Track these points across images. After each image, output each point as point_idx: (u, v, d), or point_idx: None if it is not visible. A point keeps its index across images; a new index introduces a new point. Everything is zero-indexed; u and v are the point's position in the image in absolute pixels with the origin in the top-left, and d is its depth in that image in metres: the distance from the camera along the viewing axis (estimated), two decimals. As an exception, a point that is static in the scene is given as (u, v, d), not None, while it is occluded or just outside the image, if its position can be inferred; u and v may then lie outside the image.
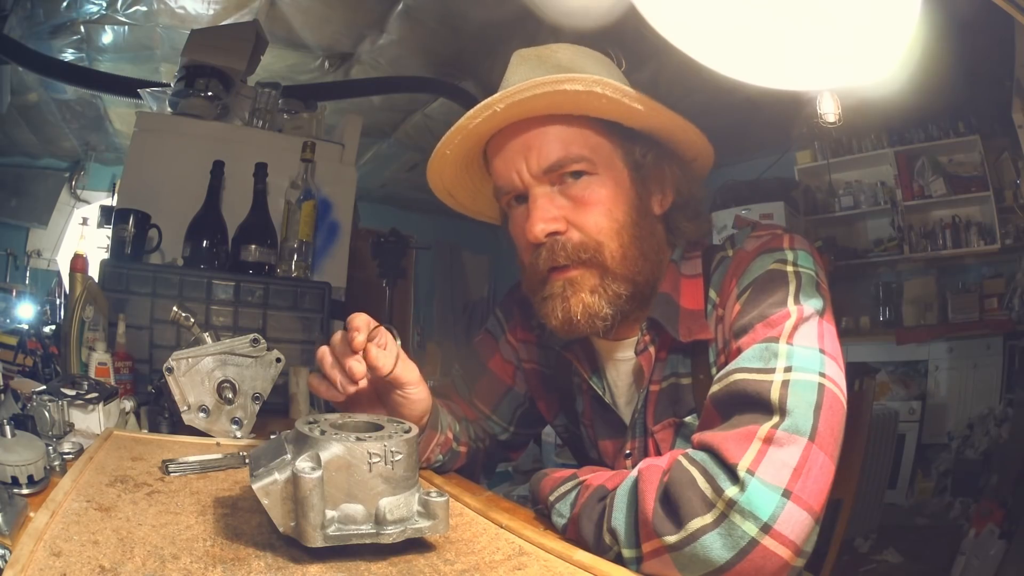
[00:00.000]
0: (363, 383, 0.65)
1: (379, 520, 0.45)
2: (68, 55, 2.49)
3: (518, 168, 0.66)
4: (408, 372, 0.68)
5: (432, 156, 0.72)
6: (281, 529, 0.44)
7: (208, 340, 0.86)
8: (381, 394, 0.71)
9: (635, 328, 0.70)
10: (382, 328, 0.65)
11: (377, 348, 0.64)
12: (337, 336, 0.65)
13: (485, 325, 0.91)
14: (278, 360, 0.87)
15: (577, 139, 0.65)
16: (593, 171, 0.66)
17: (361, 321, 0.64)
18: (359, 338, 0.62)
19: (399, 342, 0.67)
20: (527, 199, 0.67)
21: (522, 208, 0.69)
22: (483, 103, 0.65)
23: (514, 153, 0.67)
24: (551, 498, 0.59)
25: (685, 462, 0.51)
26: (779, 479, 0.47)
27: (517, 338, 0.86)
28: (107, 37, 2.42)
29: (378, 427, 0.50)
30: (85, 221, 3.38)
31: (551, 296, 0.67)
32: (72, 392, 0.74)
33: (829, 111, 2.17)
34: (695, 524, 0.47)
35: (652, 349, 0.68)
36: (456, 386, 0.91)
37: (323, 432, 0.46)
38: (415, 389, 0.69)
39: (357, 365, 0.62)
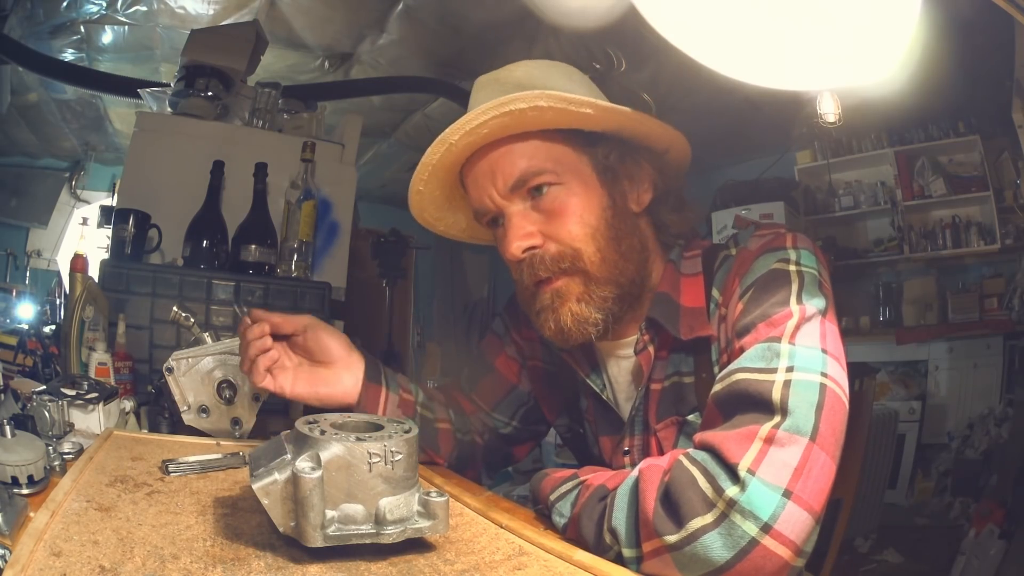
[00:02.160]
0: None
1: (379, 520, 0.45)
2: (68, 55, 2.49)
3: (488, 192, 0.68)
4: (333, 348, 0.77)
5: (409, 193, 0.74)
6: (281, 529, 0.44)
7: (208, 340, 0.86)
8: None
9: (634, 327, 0.71)
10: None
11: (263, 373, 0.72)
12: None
13: (491, 326, 0.92)
14: (278, 360, 0.87)
15: (537, 153, 0.66)
16: (558, 181, 0.66)
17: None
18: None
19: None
20: (505, 219, 0.69)
21: (501, 229, 0.70)
22: (439, 138, 0.67)
23: (482, 177, 0.68)
24: (551, 498, 0.59)
25: (686, 462, 0.51)
26: (780, 479, 0.47)
27: (522, 336, 0.87)
28: (107, 37, 2.42)
29: (378, 427, 0.50)
30: (85, 221, 3.38)
31: (542, 309, 0.68)
32: (72, 392, 0.74)
33: (829, 111, 2.18)
34: (695, 524, 0.47)
35: (651, 349, 0.68)
36: (460, 383, 0.91)
37: (323, 432, 0.46)
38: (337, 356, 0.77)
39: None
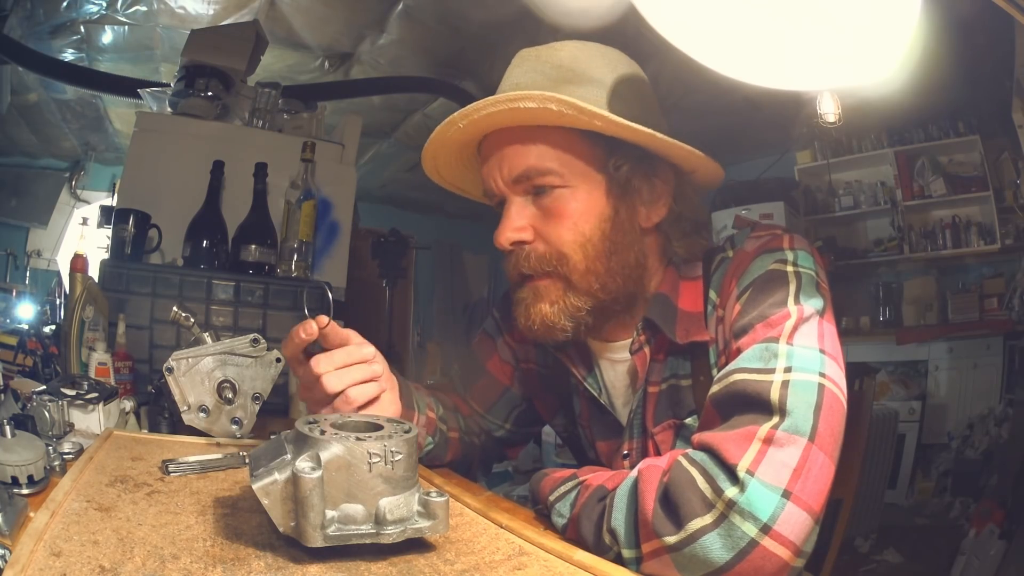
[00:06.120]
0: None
1: (379, 520, 0.45)
2: (68, 55, 2.49)
3: (494, 176, 0.68)
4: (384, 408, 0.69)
5: (422, 158, 0.74)
6: (281, 529, 0.44)
7: (208, 340, 0.86)
8: None
9: (630, 329, 0.70)
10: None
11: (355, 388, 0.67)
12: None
13: (483, 326, 0.91)
14: (278, 360, 0.87)
15: (547, 152, 0.65)
16: (563, 184, 0.65)
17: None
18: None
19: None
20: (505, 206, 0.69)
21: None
22: (448, 119, 0.67)
23: (494, 161, 0.68)
24: (551, 498, 0.59)
25: (685, 462, 0.51)
26: (779, 480, 0.48)
27: (515, 339, 0.86)
28: (107, 37, 2.42)
29: (378, 427, 0.50)
30: (85, 221, 3.37)
31: (519, 300, 0.69)
32: (72, 392, 0.74)
33: (829, 111, 2.18)
34: (695, 524, 0.47)
35: (647, 349, 0.68)
36: (454, 385, 0.91)
37: (323, 432, 0.46)
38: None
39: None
